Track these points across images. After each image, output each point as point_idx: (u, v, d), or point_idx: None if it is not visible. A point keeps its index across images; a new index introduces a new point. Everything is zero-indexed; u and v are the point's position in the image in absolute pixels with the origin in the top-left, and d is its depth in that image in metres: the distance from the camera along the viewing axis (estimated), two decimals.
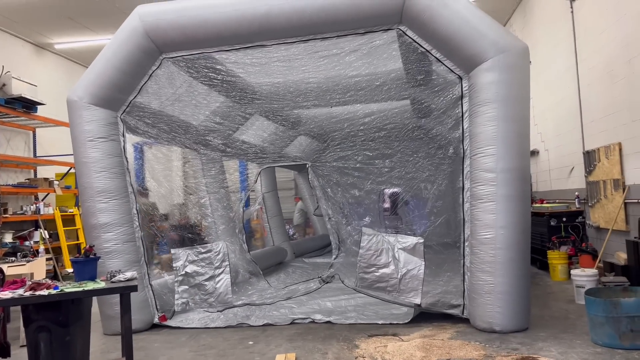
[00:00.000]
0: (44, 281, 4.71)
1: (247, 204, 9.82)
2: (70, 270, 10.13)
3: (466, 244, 6.22)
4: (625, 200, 7.96)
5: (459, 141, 6.02)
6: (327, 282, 6.98)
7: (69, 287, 4.51)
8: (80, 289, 4.45)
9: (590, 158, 9.28)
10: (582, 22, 9.46)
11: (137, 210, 6.97)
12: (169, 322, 6.96)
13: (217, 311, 6.88)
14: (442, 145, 6.26)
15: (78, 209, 12.76)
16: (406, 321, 6.49)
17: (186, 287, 6.88)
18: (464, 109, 6.02)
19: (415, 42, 6.02)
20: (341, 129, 7.08)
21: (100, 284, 4.62)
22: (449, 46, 5.84)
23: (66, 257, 11.74)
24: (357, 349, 5.72)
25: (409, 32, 6.02)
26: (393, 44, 6.08)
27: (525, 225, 5.90)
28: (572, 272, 7.48)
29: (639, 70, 7.45)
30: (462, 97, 6.00)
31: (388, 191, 16.51)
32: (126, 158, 6.83)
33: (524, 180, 5.84)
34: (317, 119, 7.40)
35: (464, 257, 6.27)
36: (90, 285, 4.58)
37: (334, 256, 7.02)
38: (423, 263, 6.16)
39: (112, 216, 6.69)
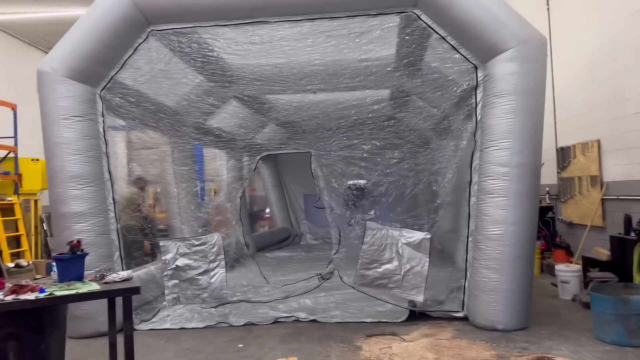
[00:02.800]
0: (24, 282, 4.03)
1: (202, 196, 9.27)
2: (11, 264, 9.12)
3: (470, 239, 6.07)
4: (603, 197, 8.17)
5: (471, 133, 5.83)
6: (327, 279, 6.62)
7: (59, 290, 3.86)
8: (74, 292, 3.82)
9: (564, 154, 9.47)
10: (559, 19, 9.60)
11: (113, 199, 6.28)
12: (142, 326, 6.38)
13: (211, 307, 6.38)
14: (454, 137, 6.05)
15: (18, 197, 11.59)
16: (400, 320, 6.28)
17: (176, 281, 6.34)
18: (478, 99, 5.83)
19: (430, 27, 5.74)
20: (348, 116, 6.69)
21: (94, 286, 4.00)
22: (467, 34, 5.62)
23: (5, 251, 10.59)
24: (360, 351, 5.42)
25: (424, 17, 5.74)
26: (406, 28, 5.77)
27: (533, 222, 5.83)
28: (557, 267, 7.57)
29: (624, 68, 7.61)
30: (476, 87, 5.81)
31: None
32: (105, 140, 6.11)
33: (536, 176, 5.75)
34: (323, 105, 6.96)
35: (467, 252, 6.12)
36: (83, 288, 3.94)
37: (334, 251, 6.66)
38: (427, 259, 5.94)
39: (86, 205, 6.00)
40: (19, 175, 11.96)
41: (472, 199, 5.98)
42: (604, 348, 5.20)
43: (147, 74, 6.25)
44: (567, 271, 7.39)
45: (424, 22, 5.76)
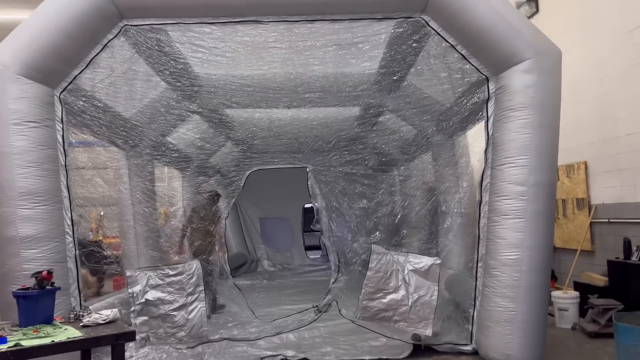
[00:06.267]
0: None
1: None
2: None
3: (480, 264, 5.55)
4: (592, 220, 7.94)
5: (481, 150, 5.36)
6: (324, 312, 5.85)
7: (26, 339, 2.93)
8: (48, 341, 2.91)
9: None
10: None
11: (71, 220, 5.31)
12: None
13: (189, 347, 5.43)
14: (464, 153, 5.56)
15: None
16: (403, 356, 5.65)
17: (145, 318, 5.36)
18: (489, 113, 5.38)
19: (439, 34, 5.28)
20: (350, 128, 6.03)
21: (72, 331, 3.10)
22: (480, 43, 5.18)
23: None
24: None
25: (432, 23, 5.27)
26: (414, 35, 5.27)
27: (550, 247, 5.40)
28: (554, 294, 7.18)
29: (614, 89, 7.48)
30: (487, 100, 5.36)
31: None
32: (63, 151, 5.17)
33: (552, 196, 5.34)
34: (320, 117, 6.25)
35: (476, 279, 5.60)
36: (58, 334, 3.03)
37: (332, 280, 5.90)
38: (436, 288, 5.35)
39: (39, 227, 5.01)
40: None
41: (483, 221, 5.49)
42: None
43: (122, 75, 5.39)
44: (566, 298, 7.03)
45: (433, 28, 5.29)
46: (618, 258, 6.96)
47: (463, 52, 5.31)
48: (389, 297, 5.35)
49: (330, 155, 6.00)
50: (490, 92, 5.36)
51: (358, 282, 5.47)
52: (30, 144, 4.91)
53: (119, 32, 5.18)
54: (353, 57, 5.41)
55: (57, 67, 5.02)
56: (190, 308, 5.38)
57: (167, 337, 5.41)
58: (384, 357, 5.70)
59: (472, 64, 5.33)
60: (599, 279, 7.26)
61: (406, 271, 5.38)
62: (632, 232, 6.99)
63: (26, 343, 2.83)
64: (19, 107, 4.84)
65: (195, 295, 5.39)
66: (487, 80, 5.38)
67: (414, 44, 5.31)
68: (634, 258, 6.59)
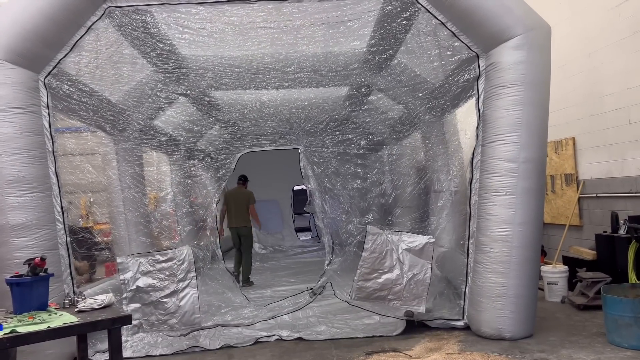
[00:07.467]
0: None
1: None
2: None
3: (471, 241, 5.60)
4: (580, 195, 8.04)
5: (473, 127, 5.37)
6: (319, 294, 5.88)
7: (22, 326, 2.92)
8: (44, 327, 2.89)
9: None
10: None
11: (61, 207, 5.26)
12: (97, 357, 5.34)
13: (181, 335, 5.43)
14: (456, 130, 5.56)
15: None
16: (396, 333, 5.73)
17: (137, 305, 5.34)
18: (480, 90, 5.38)
19: (429, 11, 5.23)
20: (341, 108, 5.98)
21: (68, 317, 3.09)
22: (469, 19, 5.15)
23: None
24: None
25: (422, 0, 5.22)
26: (404, 13, 5.22)
27: (540, 222, 5.46)
28: (543, 268, 7.29)
29: (601, 65, 7.51)
30: (478, 77, 5.35)
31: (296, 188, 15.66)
32: (51, 137, 5.09)
33: (542, 172, 5.39)
34: (311, 97, 6.19)
35: (467, 255, 5.65)
36: (54, 320, 3.01)
37: (326, 262, 5.92)
38: (430, 266, 5.39)
39: (29, 215, 4.98)
40: None
41: (474, 198, 5.53)
42: (625, 354, 4.87)
43: (107, 59, 5.29)
44: (555, 272, 7.13)
45: (422, 5, 5.24)
46: (606, 232, 7.07)
47: (453, 29, 5.28)
48: (384, 276, 5.39)
49: (322, 136, 5.98)
50: (481, 69, 5.36)
51: (353, 263, 5.50)
52: (16, 131, 4.85)
53: (103, 14, 5.07)
54: (343, 35, 5.35)
55: (40, 51, 4.91)
56: (182, 295, 5.36)
57: (159, 324, 5.39)
58: (378, 335, 5.77)
59: (462, 41, 5.31)
60: (587, 253, 7.38)
61: (400, 250, 5.41)
62: (619, 206, 7.09)
63: (22, 329, 2.82)
64: (3, 93, 4.76)
65: (187, 282, 5.36)
66: (478, 57, 5.37)
67: (404, 22, 5.26)
68: (621, 231, 6.69)
